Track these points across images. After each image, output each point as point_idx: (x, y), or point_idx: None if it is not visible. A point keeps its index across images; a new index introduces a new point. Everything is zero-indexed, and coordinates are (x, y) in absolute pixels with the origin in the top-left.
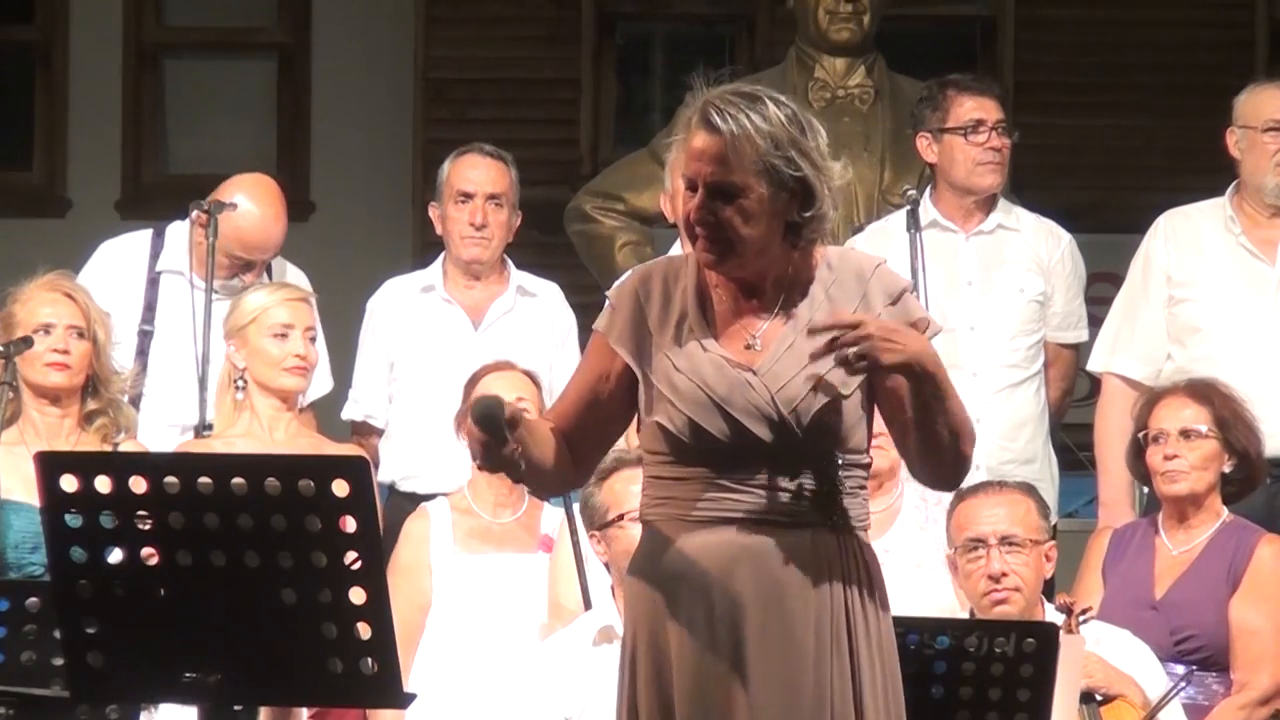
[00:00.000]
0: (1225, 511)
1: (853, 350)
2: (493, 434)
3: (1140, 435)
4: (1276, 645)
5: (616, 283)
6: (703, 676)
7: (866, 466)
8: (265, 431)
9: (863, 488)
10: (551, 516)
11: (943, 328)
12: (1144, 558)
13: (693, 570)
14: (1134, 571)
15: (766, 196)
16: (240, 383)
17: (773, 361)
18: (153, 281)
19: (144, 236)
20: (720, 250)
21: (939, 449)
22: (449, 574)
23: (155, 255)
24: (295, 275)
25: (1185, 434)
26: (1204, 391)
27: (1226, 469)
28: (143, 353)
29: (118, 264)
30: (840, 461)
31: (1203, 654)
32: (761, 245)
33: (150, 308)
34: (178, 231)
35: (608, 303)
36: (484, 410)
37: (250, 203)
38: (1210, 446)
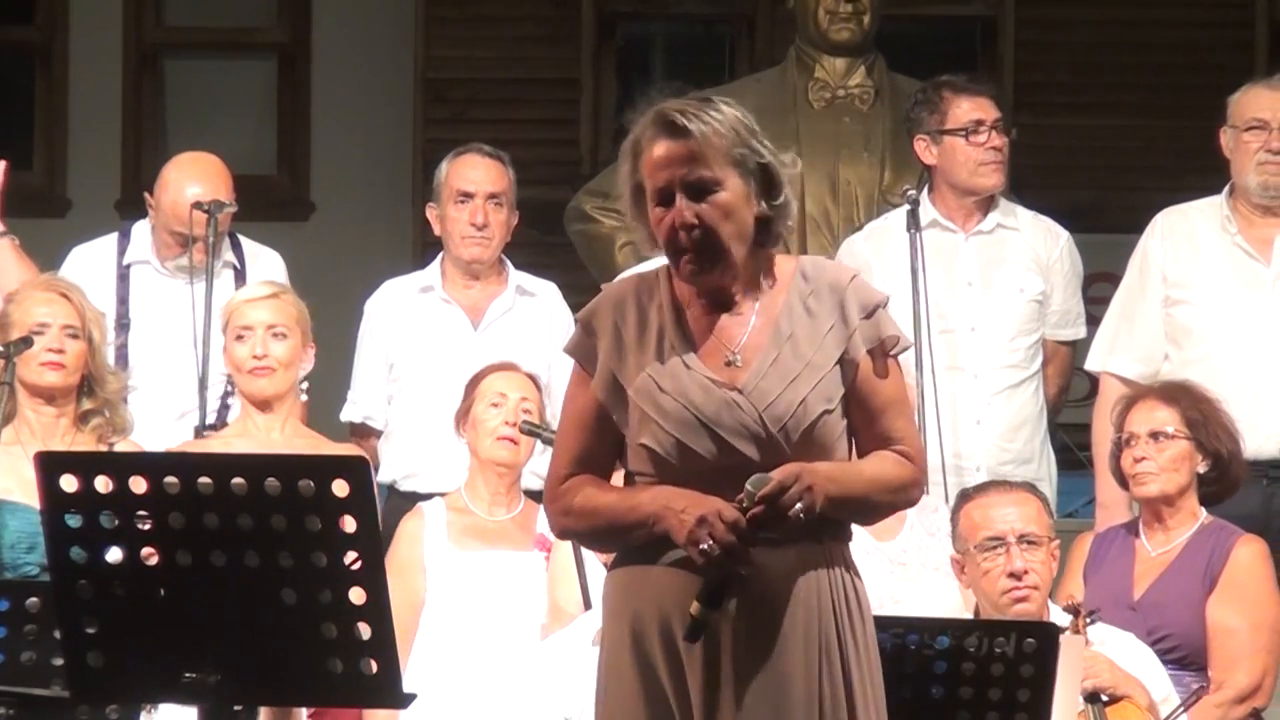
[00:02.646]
0: (1204, 513)
1: (798, 508)
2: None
3: (1116, 439)
4: (1253, 645)
5: (589, 306)
6: (692, 691)
7: None
8: (261, 431)
9: None
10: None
11: (910, 344)
12: (1124, 560)
13: (674, 589)
14: (1114, 573)
15: (740, 187)
16: (229, 386)
17: (758, 379)
18: (122, 277)
19: (110, 238)
20: (709, 256)
21: (884, 513)
22: (443, 572)
23: (123, 253)
24: (267, 258)
25: (1154, 436)
26: (1173, 393)
27: (1201, 470)
28: (123, 347)
29: (88, 266)
30: None
31: (1179, 653)
32: (741, 245)
33: (123, 301)
34: (143, 228)
35: (578, 328)
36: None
37: (183, 177)
38: (1180, 448)
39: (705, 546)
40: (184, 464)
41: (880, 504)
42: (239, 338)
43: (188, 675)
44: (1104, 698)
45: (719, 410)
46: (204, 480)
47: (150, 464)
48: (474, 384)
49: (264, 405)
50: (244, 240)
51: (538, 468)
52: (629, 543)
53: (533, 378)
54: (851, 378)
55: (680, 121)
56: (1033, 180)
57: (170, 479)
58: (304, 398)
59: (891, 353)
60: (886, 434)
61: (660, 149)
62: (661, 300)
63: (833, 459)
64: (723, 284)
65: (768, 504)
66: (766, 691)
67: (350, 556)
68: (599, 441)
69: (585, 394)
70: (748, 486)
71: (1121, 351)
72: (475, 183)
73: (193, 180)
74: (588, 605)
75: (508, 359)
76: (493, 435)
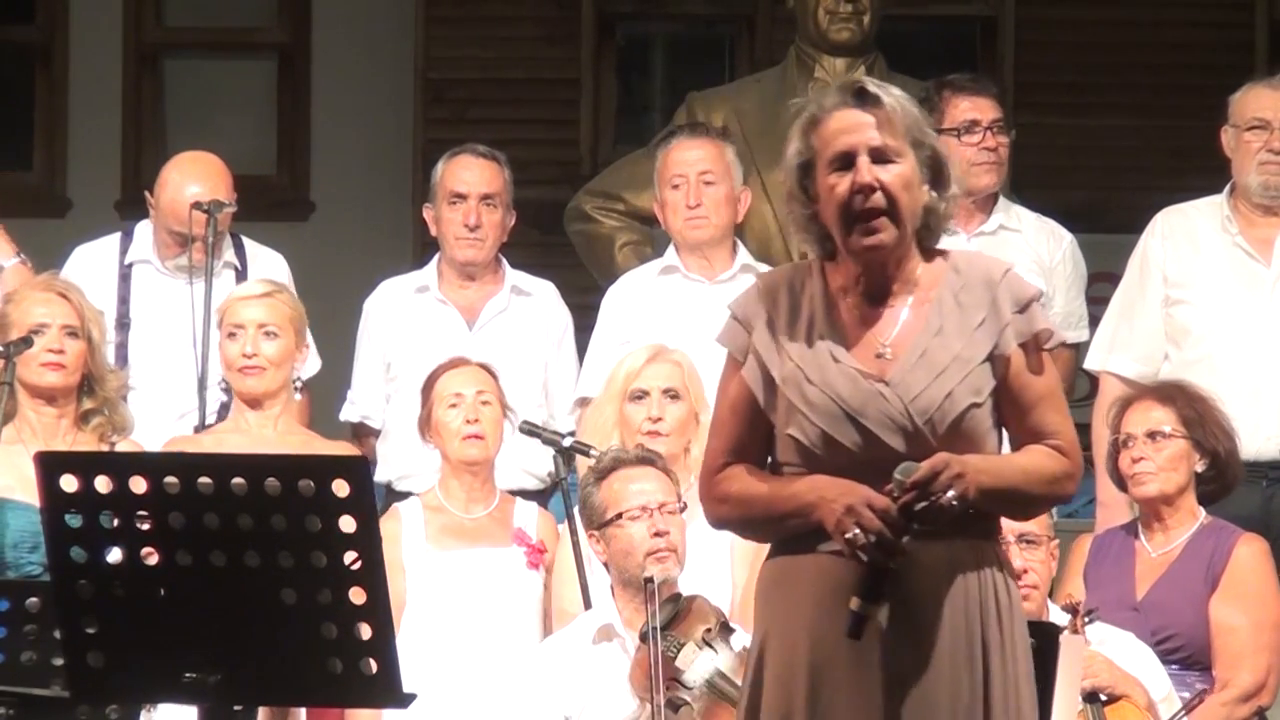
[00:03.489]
0: (1203, 513)
1: (950, 495)
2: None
3: (1113, 441)
4: (1256, 643)
5: (741, 294)
6: (835, 684)
7: None
8: (253, 428)
9: None
10: (524, 511)
11: (1065, 339)
12: (1125, 561)
13: (828, 579)
14: (1115, 575)
15: (914, 166)
16: (223, 384)
17: (905, 371)
18: (124, 276)
19: (113, 237)
20: (887, 221)
21: (1040, 507)
22: (422, 572)
23: (125, 252)
24: (270, 259)
25: (1152, 436)
26: (1169, 393)
27: (1199, 469)
28: (123, 346)
29: (90, 265)
30: None
31: (1183, 653)
32: (910, 225)
33: (124, 300)
34: (146, 228)
35: (731, 317)
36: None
37: (183, 177)
38: (1177, 447)
39: (851, 535)
40: (184, 464)
41: (1035, 496)
42: (230, 335)
43: (188, 675)
44: (1102, 697)
45: (865, 402)
46: (204, 480)
47: (150, 464)
48: (429, 388)
49: (254, 403)
50: (247, 241)
51: (533, 467)
52: (783, 532)
53: (485, 367)
54: (1003, 372)
55: (872, 89)
56: (1033, 180)
57: (170, 479)
58: (298, 396)
59: (1045, 347)
60: (1039, 428)
61: (845, 116)
62: (814, 291)
63: (981, 453)
64: (886, 267)
65: (919, 490)
66: (913, 689)
67: (350, 556)
68: (752, 430)
69: (738, 383)
70: (896, 475)
71: (1121, 351)
72: (468, 184)
73: (193, 180)
74: (588, 605)
75: (459, 355)
76: (458, 436)
